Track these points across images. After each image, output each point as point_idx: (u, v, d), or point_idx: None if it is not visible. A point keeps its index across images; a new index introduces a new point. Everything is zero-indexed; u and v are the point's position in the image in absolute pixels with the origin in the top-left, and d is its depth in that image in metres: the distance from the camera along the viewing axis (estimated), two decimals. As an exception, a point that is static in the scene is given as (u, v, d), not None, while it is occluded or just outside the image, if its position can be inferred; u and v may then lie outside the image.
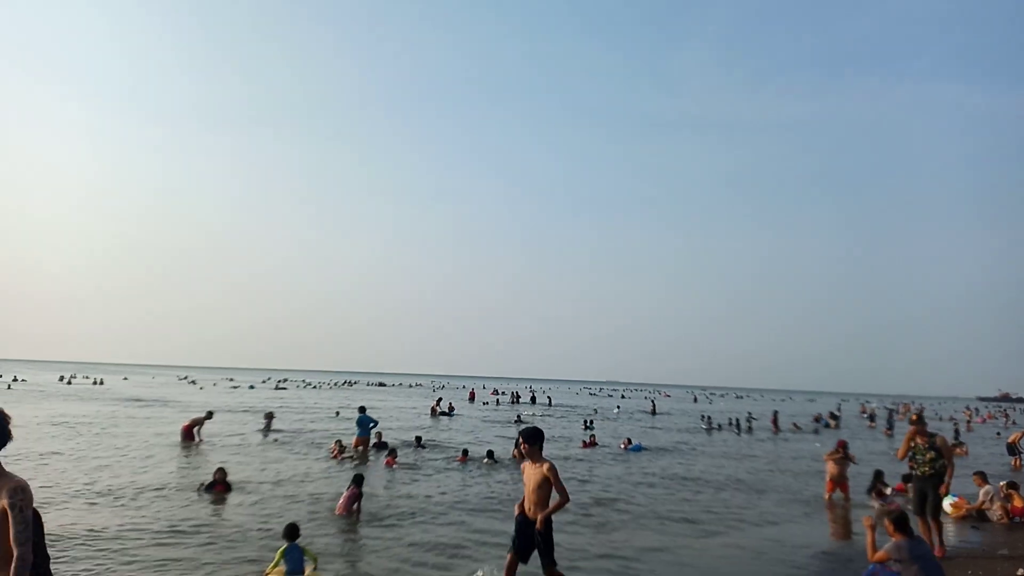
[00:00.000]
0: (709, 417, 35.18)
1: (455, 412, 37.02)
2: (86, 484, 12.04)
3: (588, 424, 30.28)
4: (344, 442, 18.05)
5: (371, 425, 18.46)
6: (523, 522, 6.13)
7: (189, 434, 19.04)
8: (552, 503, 5.97)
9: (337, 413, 32.84)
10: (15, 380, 58.88)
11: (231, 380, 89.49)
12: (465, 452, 17.60)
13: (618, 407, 50.69)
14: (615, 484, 14.34)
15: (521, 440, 6.29)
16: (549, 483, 5.92)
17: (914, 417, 8.95)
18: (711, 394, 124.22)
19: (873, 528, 6.90)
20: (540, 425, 29.16)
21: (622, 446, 21.71)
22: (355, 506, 10.27)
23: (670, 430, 32.00)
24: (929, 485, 8.55)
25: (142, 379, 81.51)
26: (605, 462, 18.20)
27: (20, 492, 3.03)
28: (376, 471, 15.11)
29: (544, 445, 6.29)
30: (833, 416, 41.08)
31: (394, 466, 15.53)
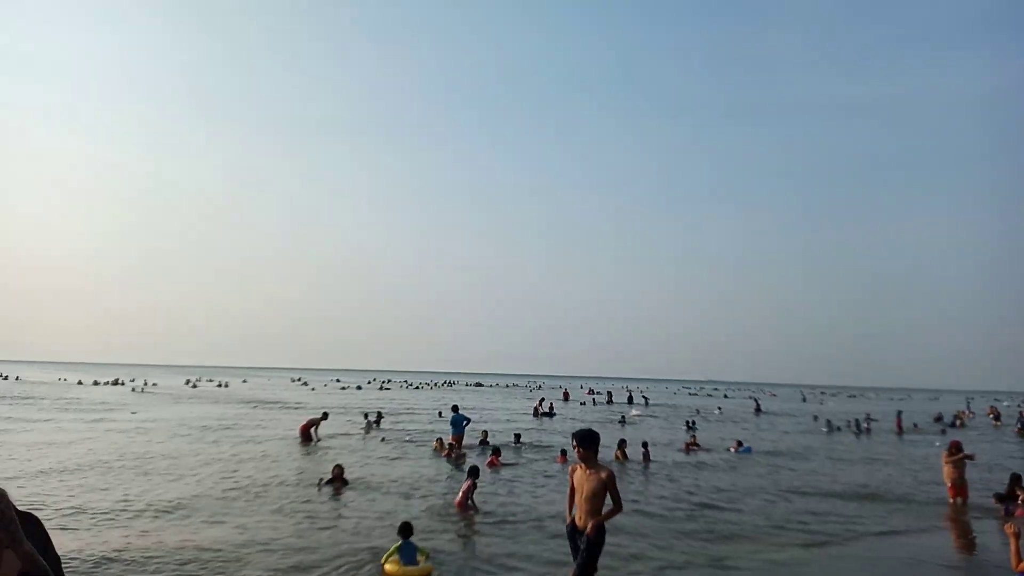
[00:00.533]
0: (828, 420, 33.38)
1: (555, 412, 37.17)
2: (224, 477, 13.32)
3: (690, 425, 29.56)
4: (444, 440, 18.85)
5: (464, 423, 19.11)
6: (574, 532, 5.92)
7: (307, 433, 20.41)
8: (606, 511, 5.72)
9: (440, 414, 33.94)
10: (147, 384, 64.76)
11: (338, 381, 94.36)
12: (563, 452, 17.82)
13: (719, 408, 49.31)
14: (724, 489, 13.95)
15: (575, 443, 5.94)
16: (605, 491, 5.67)
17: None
18: (821, 393, 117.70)
19: (1017, 536, 6.39)
20: (641, 426, 29.18)
21: (731, 449, 21.04)
22: (470, 500, 10.72)
23: (779, 431, 30.78)
24: None
25: (259, 381, 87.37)
26: (712, 465, 17.70)
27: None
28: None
29: (600, 448, 6.02)
30: (961, 416, 38.04)
31: (497, 465, 15.89)
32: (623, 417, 34.28)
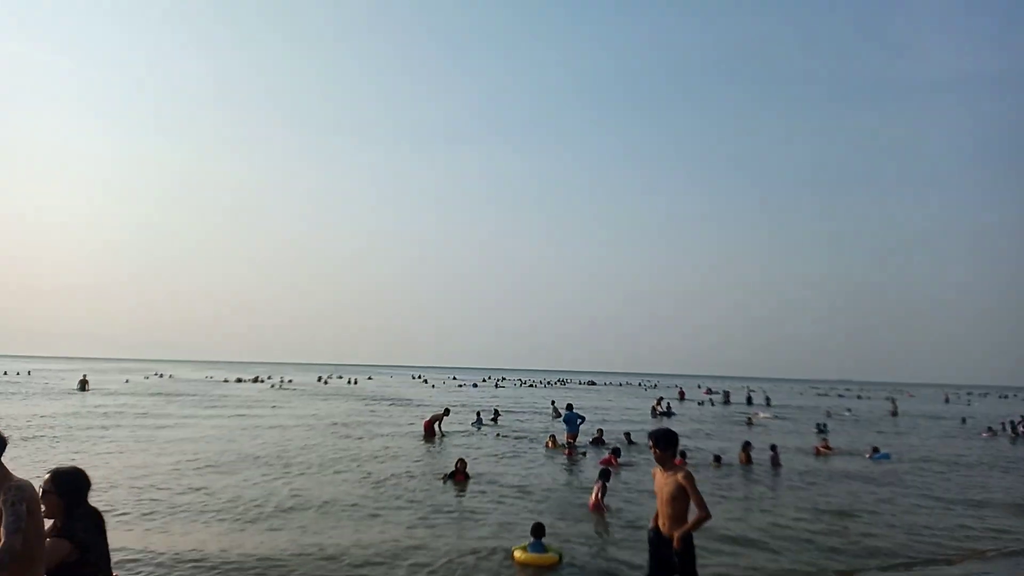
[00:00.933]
0: (990, 426, 30.44)
1: (673, 412, 36.21)
2: (358, 467, 14.45)
3: (821, 428, 27.89)
4: (557, 438, 19.24)
5: (579, 421, 19.30)
6: (656, 539, 5.47)
7: (430, 429, 21.49)
8: (692, 519, 5.20)
9: (557, 413, 33.87)
10: (282, 381, 70.09)
11: (455, 379, 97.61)
12: (683, 454, 17.31)
13: (849, 409, 46.30)
14: (857, 496, 13.18)
15: (651, 443, 5.51)
16: (686, 495, 5.19)
17: None
18: (967, 394, 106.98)
19: None
20: (768, 428, 27.91)
21: (867, 455, 19.66)
22: (603, 502, 10.84)
23: (921, 435, 28.48)
24: None
25: (382, 379, 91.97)
26: (847, 472, 16.58)
27: (14, 490, 3.21)
28: (588, 469, 15.81)
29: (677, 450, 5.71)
30: None
31: (615, 465, 15.74)
32: (749, 419, 32.62)
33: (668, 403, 38.94)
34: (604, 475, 11.35)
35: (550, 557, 7.82)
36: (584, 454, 17.93)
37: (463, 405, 36.64)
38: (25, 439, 17.70)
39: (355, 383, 70.24)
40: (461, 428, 24.10)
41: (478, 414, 27.34)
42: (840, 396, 77.91)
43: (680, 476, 5.24)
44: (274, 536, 8.78)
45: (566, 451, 18.04)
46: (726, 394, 56.76)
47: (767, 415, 37.23)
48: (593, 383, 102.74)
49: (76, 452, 15.98)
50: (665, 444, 5.41)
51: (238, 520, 9.54)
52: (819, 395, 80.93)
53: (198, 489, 11.72)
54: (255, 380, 69.68)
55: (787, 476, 15.64)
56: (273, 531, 9.04)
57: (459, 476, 13.25)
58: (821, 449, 20.38)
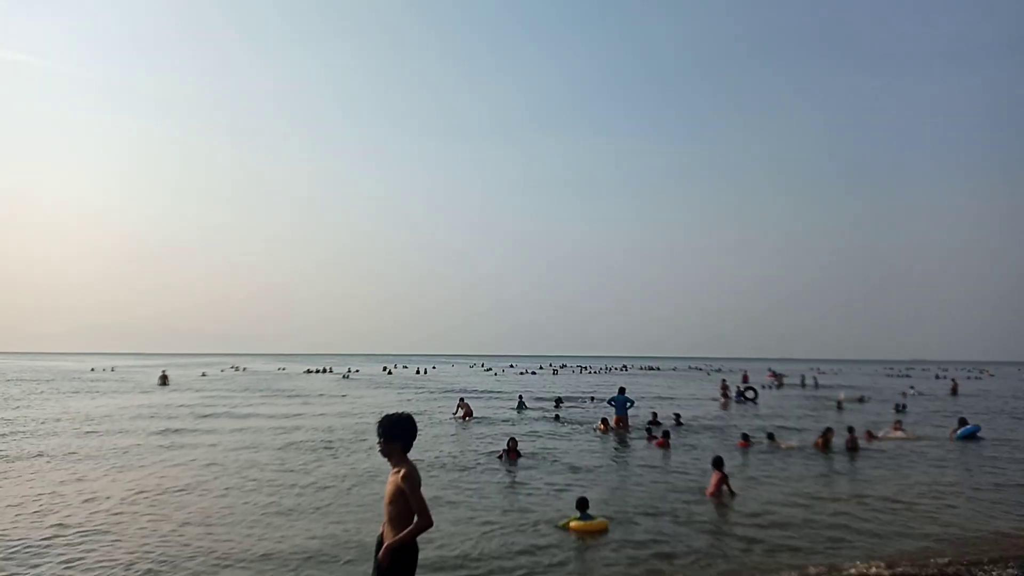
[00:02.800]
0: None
1: (756, 399, 33.03)
2: (427, 452, 15.75)
3: (899, 408, 27.43)
4: (609, 422, 20.12)
5: (629, 405, 20.16)
6: (377, 545, 4.37)
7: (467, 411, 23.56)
8: (410, 527, 4.17)
9: (610, 401, 33.32)
10: (350, 371, 73.01)
11: (512, 367, 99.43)
12: (745, 437, 17.12)
13: (912, 387, 45.18)
14: (939, 483, 12.36)
15: (378, 433, 4.34)
16: (403, 497, 4.18)
17: None
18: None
19: None
20: (857, 411, 26.64)
21: (949, 436, 18.80)
22: (724, 488, 10.85)
23: (990, 415, 27.06)
24: None
25: (443, 367, 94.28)
26: (928, 455, 15.81)
27: (407, 478, 4.16)
28: (639, 449, 16.69)
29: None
30: None
31: (664, 445, 16.53)
32: (839, 403, 31.06)
33: (749, 388, 34.79)
34: (717, 464, 11.11)
35: (601, 523, 8.76)
36: (628, 433, 18.89)
37: (529, 391, 37.72)
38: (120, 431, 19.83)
39: (424, 372, 72.41)
40: (504, 415, 25.02)
41: (520, 398, 29.29)
42: (906, 376, 75.25)
43: (400, 475, 4.15)
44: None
45: (626, 429, 19.16)
46: (777, 376, 56.27)
47: (844, 396, 33.80)
48: (652, 368, 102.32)
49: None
50: (391, 435, 4.27)
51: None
52: (888, 375, 78.47)
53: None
54: (324, 371, 72.94)
55: (865, 461, 14.90)
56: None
57: (512, 454, 14.35)
58: (895, 428, 19.33)
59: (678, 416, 21.77)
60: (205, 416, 23.78)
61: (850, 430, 16.65)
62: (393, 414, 4.43)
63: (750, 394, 33.27)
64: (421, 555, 4.44)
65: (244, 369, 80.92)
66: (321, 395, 36.57)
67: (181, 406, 27.91)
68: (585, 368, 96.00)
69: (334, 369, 77.58)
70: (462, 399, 25.80)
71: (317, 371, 72.54)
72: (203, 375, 62.41)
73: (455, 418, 23.27)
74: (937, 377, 72.13)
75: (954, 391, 41.72)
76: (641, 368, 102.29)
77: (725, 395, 33.47)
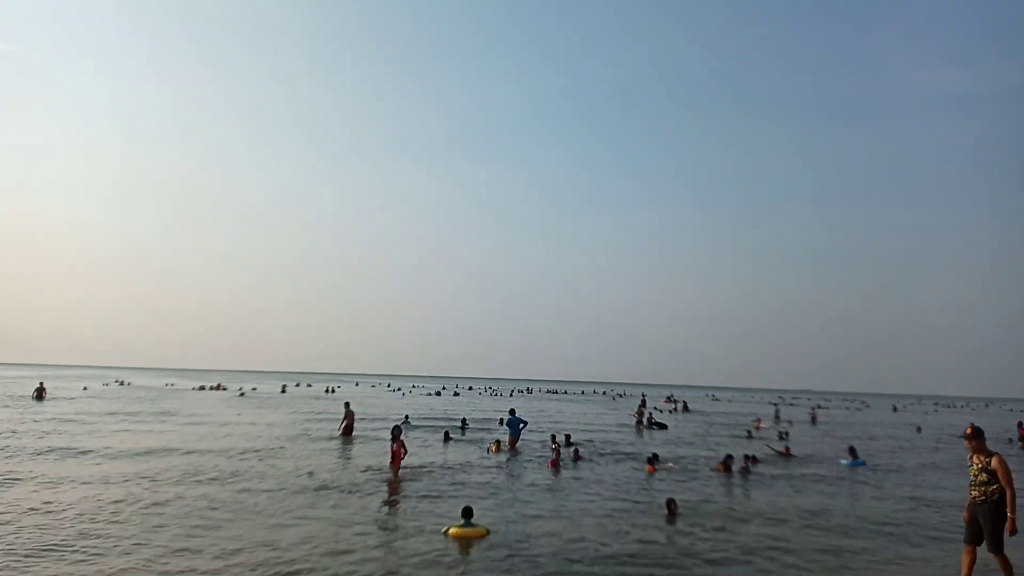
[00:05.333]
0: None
1: (662, 423, 33.86)
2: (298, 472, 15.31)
3: (782, 436, 28.50)
4: (502, 443, 20.35)
5: (521, 426, 20.42)
6: None
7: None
8: None
9: (501, 421, 30.63)
10: (242, 389, 69.64)
11: (413, 387, 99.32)
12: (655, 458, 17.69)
13: (777, 416, 46.66)
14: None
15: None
16: None
17: (968, 430, 7.39)
18: (937, 404, 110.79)
19: None
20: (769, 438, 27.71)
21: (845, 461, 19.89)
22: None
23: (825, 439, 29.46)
24: (981, 513, 7.12)
25: (348, 387, 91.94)
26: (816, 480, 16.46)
27: None
28: (529, 468, 16.98)
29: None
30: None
31: (555, 468, 16.71)
32: (749, 432, 31.19)
33: (651, 414, 36.65)
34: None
35: (479, 530, 9.40)
36: (510, 452, 19.25)
37: (429, 410, 37.27)
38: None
39: (332, 392, 70.83)
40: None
41: (446, 433, 23.77)
42: (790, 404, 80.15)
43: None
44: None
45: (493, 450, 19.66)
46: (684, 404, 58.61)
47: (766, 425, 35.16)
48: (556, 392, 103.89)
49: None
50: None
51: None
52: (771, 404, 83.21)
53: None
54: (217, 387, 69.34)
55: (757, 482, 15.61)
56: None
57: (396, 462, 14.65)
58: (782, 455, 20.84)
59: (568, 436, 22.19)
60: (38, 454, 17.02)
61: (746, 457, 18.01)
62: None
63: (662, 419, 35.35)
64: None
65: (128, 384, 75.82)
66: (192, 418, 31.29)
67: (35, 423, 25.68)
68: (492, 390, 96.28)
69: (228, 387, 73.70)
70: (348, 404, 25.42)
71: (209, 387, 68.82)
72: (84, 389, 58.18)
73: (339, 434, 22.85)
74: (819, 407, 77.25)
75: (813, 420, 44.82)
76: (548, 391, 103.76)
77: (640, 420, 34.12)
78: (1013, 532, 6.83)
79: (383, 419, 31.43)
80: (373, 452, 18.84)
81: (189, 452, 17.77)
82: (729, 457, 17.67)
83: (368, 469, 15.34)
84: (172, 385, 77.24)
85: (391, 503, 11.84)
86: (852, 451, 20.52)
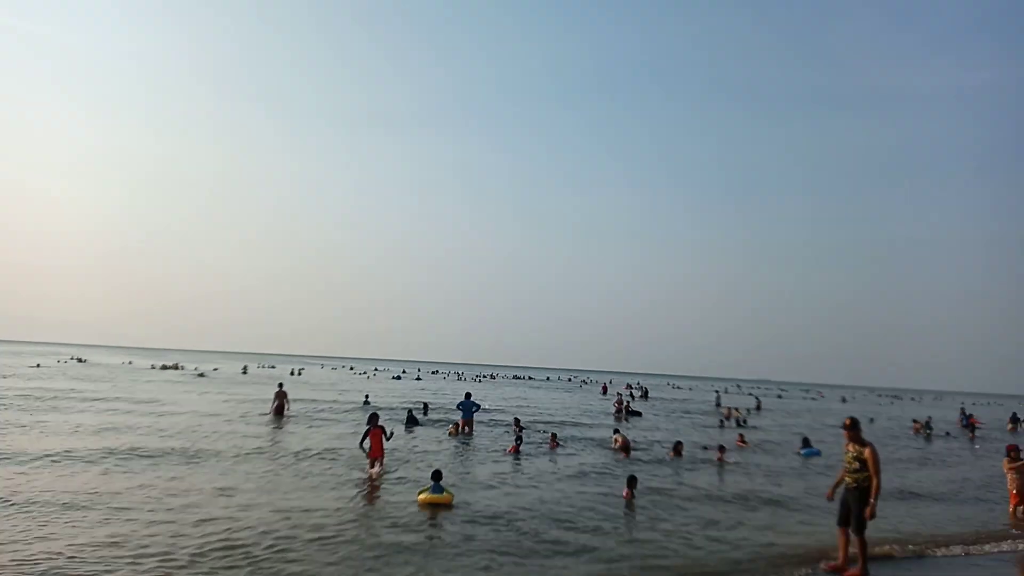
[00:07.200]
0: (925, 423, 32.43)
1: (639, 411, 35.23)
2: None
3: (740, 423, 29.80)
4: (459, 425, 20.79)
5: (474, 409, 21.23)
6: None
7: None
8: None
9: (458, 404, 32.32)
10: (198, 369, 68.78)
11: (376, 370, 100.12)
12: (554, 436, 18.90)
13: (719, 402, 46.80)
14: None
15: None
16: None
17: (847, 421, 8.21)
18: (889, 396, 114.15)
19: None
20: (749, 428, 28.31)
21: (797, 450, 20.38)
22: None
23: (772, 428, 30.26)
24: (852, 498, 7.80)
25: (313, 370, 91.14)
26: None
27: None
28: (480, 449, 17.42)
29: None
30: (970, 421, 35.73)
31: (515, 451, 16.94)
32: (721, 421, 31.36)
33: (628, 402, 38.31)
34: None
35: (446, 496, 10.24)
36: (467, 435, 20.00)
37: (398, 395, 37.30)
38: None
39: (298, 373, 70.08)
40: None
41: (410, 412, 23.97)
42: (748, 394, 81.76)
43: None
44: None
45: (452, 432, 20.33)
46: (645, 390, 59.67)
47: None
48: (519, 377, 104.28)
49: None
50: None
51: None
52: (729, 392, 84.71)
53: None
54: (174, 367, 67.81)
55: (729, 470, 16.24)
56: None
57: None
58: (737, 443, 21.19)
59: (517, 420, 22.90)
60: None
61: (720, 448, 17.96)
62: None
63: (636, 407, 36.89)
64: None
65: (84, 361, 74.12)
66: (138, 401, 27.91)
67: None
68: (459, 375, 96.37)
69: (184, 366, 71.75)
70: (281, 384, 25.72)
71: (164, 367, 67.19)
72: (37, 366, 56.78)
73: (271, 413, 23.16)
74: (779, 396, 79.27)
75: (758, 407, 46.98)
76: (515, 377, 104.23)
77: (619, 408, 34.96)
78: (872, 516, 7.64)
79: (333, 401, 32.14)
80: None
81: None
82: (679, 443, 18.32)
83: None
84: (130, 363, 75.71)
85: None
86: (806, 441, 21.19)
